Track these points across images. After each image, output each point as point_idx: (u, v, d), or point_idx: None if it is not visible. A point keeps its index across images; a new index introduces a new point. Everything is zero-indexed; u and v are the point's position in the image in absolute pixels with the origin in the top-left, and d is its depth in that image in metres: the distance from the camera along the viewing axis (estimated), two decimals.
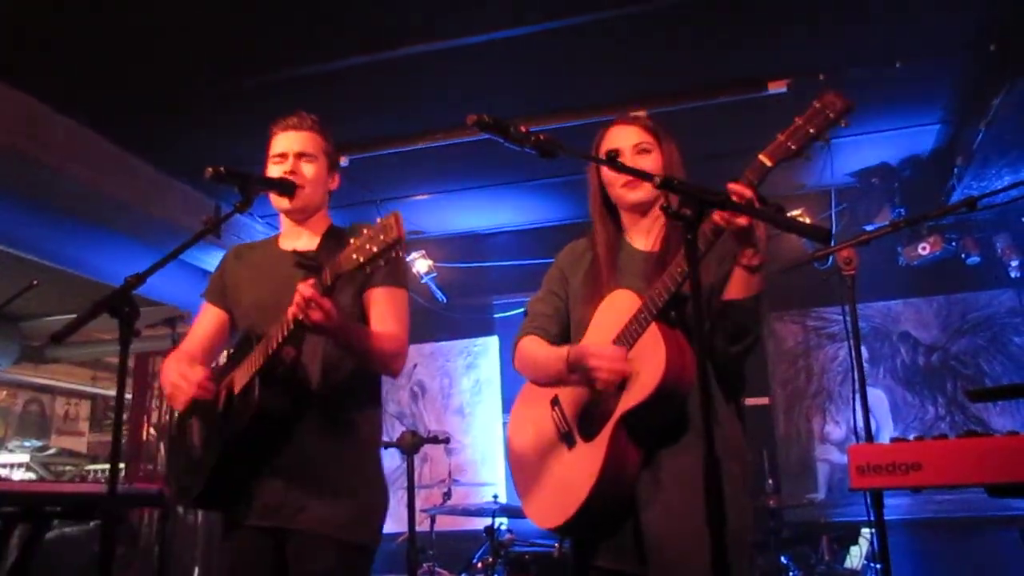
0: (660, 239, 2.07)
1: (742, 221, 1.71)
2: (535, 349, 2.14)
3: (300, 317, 1.89)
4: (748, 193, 1.70)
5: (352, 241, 1.79)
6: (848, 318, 2.57)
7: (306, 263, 1.95)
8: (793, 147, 1.69)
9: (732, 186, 1.72)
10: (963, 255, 5.55)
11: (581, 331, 2.07)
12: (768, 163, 1.71)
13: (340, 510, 2.09)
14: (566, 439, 2.01)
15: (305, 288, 1.87)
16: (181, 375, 2.13)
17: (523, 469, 2.14)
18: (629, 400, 1.85)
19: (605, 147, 2.11)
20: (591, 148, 2.17)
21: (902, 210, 5.41)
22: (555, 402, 2.09)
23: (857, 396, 2.55)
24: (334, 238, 2.31)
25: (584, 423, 1.98)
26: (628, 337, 1.89)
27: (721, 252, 1.93)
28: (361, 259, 1.77)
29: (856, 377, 2.55)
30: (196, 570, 6.17)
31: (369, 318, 2.23)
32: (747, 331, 1.88)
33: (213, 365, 2.34)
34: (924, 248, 5.43)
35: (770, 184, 5.55)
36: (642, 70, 4.35)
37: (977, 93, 4.50)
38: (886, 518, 2.61)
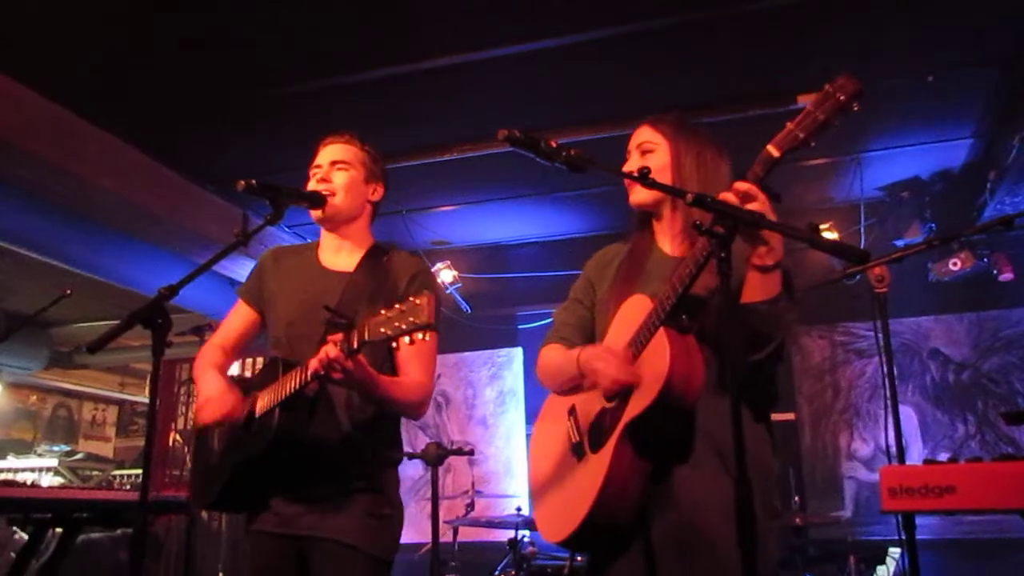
0: (685, 243, 2.02)
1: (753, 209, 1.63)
2: (554, 356, 2.12)
3: (322, 373, 1.92)
4: (755, 191, 1.65)
5: (383, 312, 1.81)
6: (880, 336, 2.54)
7: (336, 322, 1.98)
8: (802, 135, 1.60)
9: (738, 185, 1.67)
10: (995, 271, 5.47)
11: (602, 338, 2.03)
12: (775, 153, 1.64)
13: (362, 523, 2.10)
14: (577, 450, 1.96)
15: (331, 349, 1.90)
16: (219, 395, 2.17)
17: (538, 481, 2.10)
18: (633, 409, 1.78)
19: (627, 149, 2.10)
20: (621, 159, 2.14)
21: (932, 225, 5.35)
22: (572, 412, 2.04)
23: (889, 415, 2.51)
24: (373, 260, 2.32)
25: (594, 434, 1.92)
26: (638, 343, 1.82)
27: (741, 251, 1.81)
28: (388, 333, 1.79)
29: (888, 396, 2.51)
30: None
31: (396, 358, 2.24)
32: (768, 337, 1.77)
33: (236, 372, 2.37)
34: (955, 264, 5.35)
35: (798, 197, 5.56)
36: (670, 83, 4.34)
37: (1011, 107, 4.45)
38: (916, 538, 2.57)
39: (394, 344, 2.19)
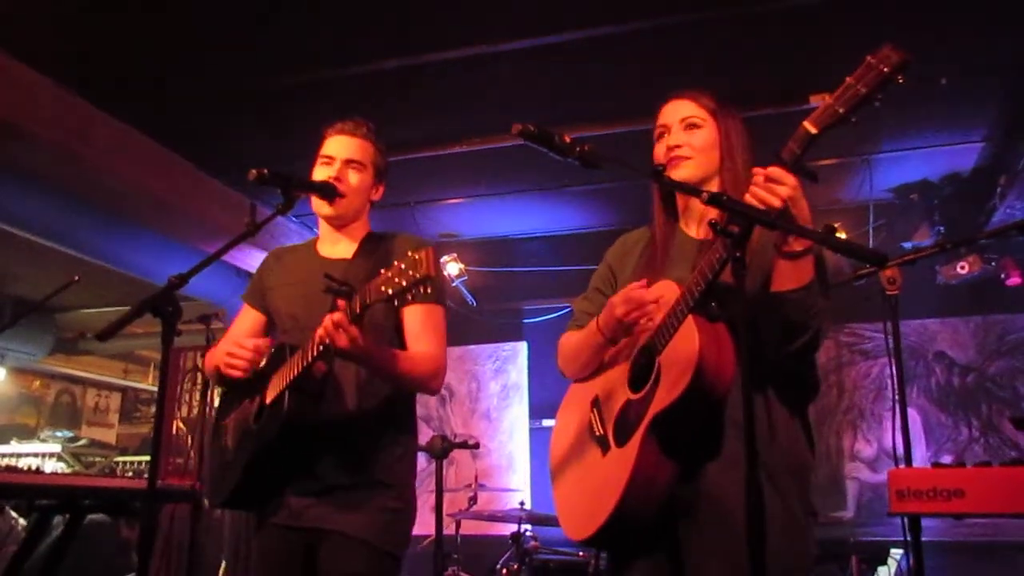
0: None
1: (775, 202, 1.55)
2: (573, 337, 2.05)
3: (327, 342, 1.90)
4: (783, 175, 1.56)
5: (383, 272, 1.80)
6: (890, 337, 2.53)
7: (336, 289, 1.94)
8: (842, 110, 1.49)
9: (770, 170, 1.57)
10: (1002, 276, 5.46)
11: None
12: (813, 130, 1.54)
13: (372, 517, 2.09)
14: (601, 443, 1.87)
15: (334, 314, 1.89)
16: (236, 344, 2.15)
17: (560, 477, 2.02)
18: (661, 401, 1.69)
19: (657, 123, 2.00)
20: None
21: (941, 228, 5.34)
22: (595, 403, 1.95)
23: (897, 417, 2.51)
24: (371, 245, 2.32)
25: (619, 427, 1.82)
26: (664, 333, 1.73)
27: (769, 236, 1.72)
28: (390, 291, 1.77)
29: (896, 398, 2.50)
30: (223, 566, 6.22)
31: (404, 334, 2.22)
32: (802, 327, 1.67)
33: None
34: (963, 268, 5.34)
35: (806, 197, 5.49)
36: (683, 81, 4.31)
37: (1023, 112, 4.43)
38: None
39: (400, 317, 2.18)
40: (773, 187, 1.57)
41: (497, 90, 4.45)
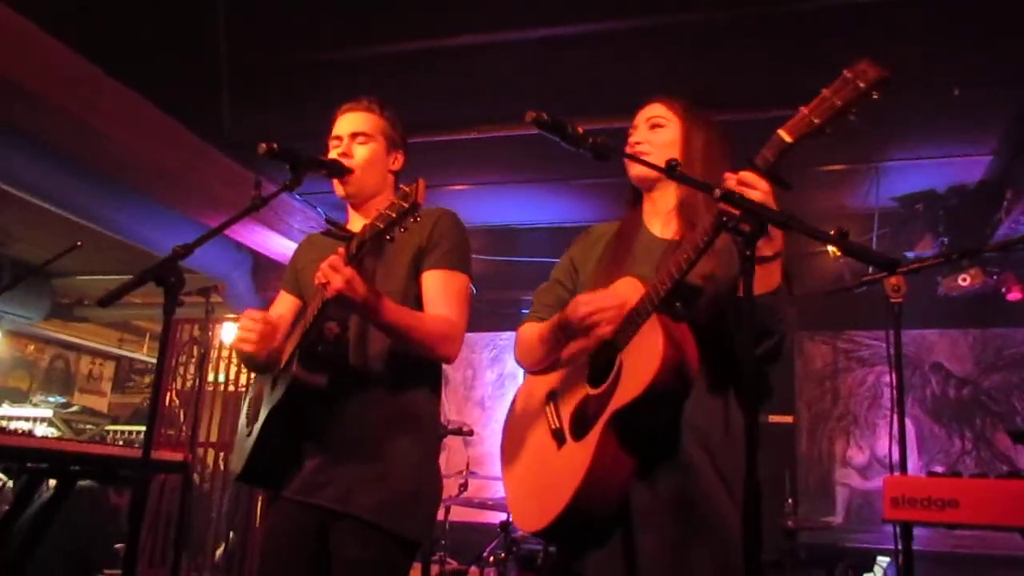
0: (676, 225, 1.93)
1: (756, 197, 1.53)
2: (530, 331, 2.02)
3: (324, 283, 1.85)
4: (755, 180, 1.55)
5: (377, 209, 1.78)
6: (891, 346, 2.52)
7: (335, 234, 1.92)
8: (817, 121, 1.50)
9: (742, 175, 1.56)
10: (1003, 290, 5.46)
11: None
12: (788, 139, 1.54)
13: (388, 500, 1.99)
14: (557, 437, 1.85)
15: (329, 256, 1.85)
16: (245, 317, 2.10)
17: (512, 468, 1.99)
18: (620, 399, 1.68)
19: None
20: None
21: (944, 239, 5.33)
22: (550, 397, 1.93)
23: (894, 425, 2.50)
24: None
25: (577, 421, 1.80)
26: (627, 330, 1.72)
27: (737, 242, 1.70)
28: (380, 225, 1.74)
29: (895, 405, 2.50)
30: (210, 539, 6.23)
31: (423, 298, 2.13)
32: (767, 332, 1.67)
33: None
34: (964, 280, 5.35)
35: (813, 202, 5.50)
36: (690, 80, 4.31)
37: None
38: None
39: (423, 266, 2.13)
40: (745, 191, 1.56)
41: (511, 78, 4.42)
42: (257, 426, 2.12)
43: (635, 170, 1.96)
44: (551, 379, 1.97)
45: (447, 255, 2.15)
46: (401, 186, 1.75)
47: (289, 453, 2.10)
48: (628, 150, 1.95)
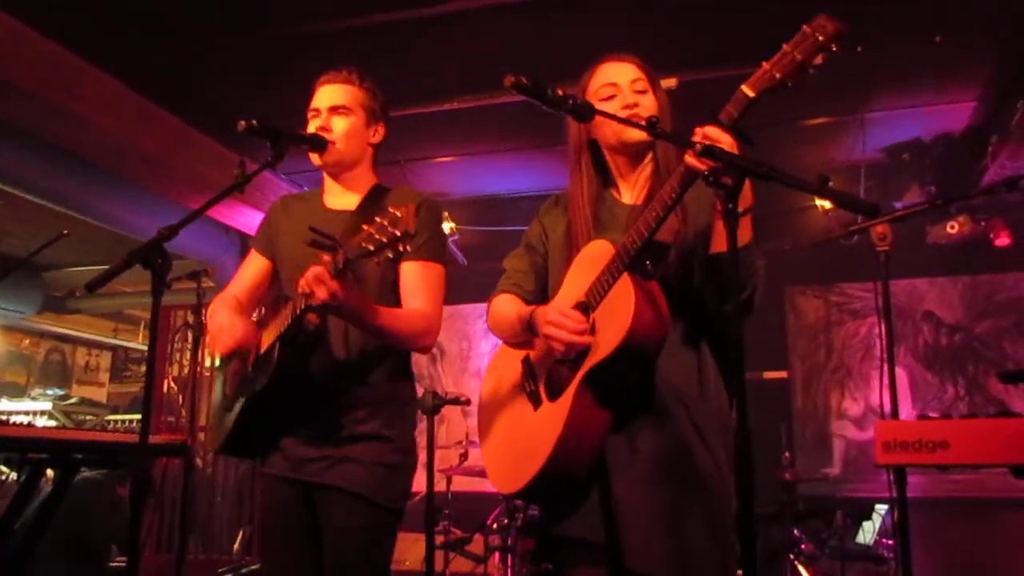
0: (646, 192, 1.93)
1: (702, 167, 1.53)
2: (505, 308, 2.03)
3: (307, 292, 1.89)
4: (719, 134, 1.56)
5: (364, 227, 1.78)
6: (879, 295, 2.54)
7: (321, 242, 1.93)
8: (778, 75, 1.53)
9: (708, 129, 1.57)
10: (991, 236, 5.48)
11: (558, 288, 1.93)
12: (750, 94, 1.56)
13: (369, 471, 2.09)
14: (532, 399, 1.89)
15: (314, 267, 1.88)
16: (230, 324, 2.16)
17: (490, 431, 2.03)
18: (594, 357, 1.72)
19: (597, 83, 1.96)
20: (579, 89, 1.99)
21: (932, 188, 5.34)
22: (525, 360, 1.97)
23: (885, 374, 2.53)
24: (375, 197, 2.29)
25: (552, 382, 1.85)
26: (599, 290, 1.75)
27: (706, 197, 1.74)
28: (370, 248, 1.76)
29: (886, 354, 2.52)
30: (217, 523, 6.28)
31: (400, 290, 2.20)
32: (740, 285, 1.65)
33: (255, 315, 2.36)
34: (953, 228, 5.36)
35: (799, 157, 5.50)
36: (674, 38, 4.29)
37: (1016, 71, 4.41)
38: None
39: (402, 257, 2.15)
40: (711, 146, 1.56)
41: (488, 47, 4.39)
42: (238, 406, 2.17)
43: (633, 133, 1.90)
44: (525, 345, 2.00)
45: (424, 246, 2.18)
46: (391, 208, 1.75)
47: (271, 430, 2.17)
48: (622, 114, 1.89)
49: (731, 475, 1.79)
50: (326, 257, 1.89)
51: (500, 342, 2.12)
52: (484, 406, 2.08)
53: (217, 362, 2.41)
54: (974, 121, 5.19)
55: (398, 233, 1.73)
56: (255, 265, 2.40)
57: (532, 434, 1.83)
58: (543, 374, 1.89)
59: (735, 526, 1.75)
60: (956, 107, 5.05)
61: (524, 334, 1.94)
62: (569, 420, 1.72)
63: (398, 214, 1.73)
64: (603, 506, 1.77)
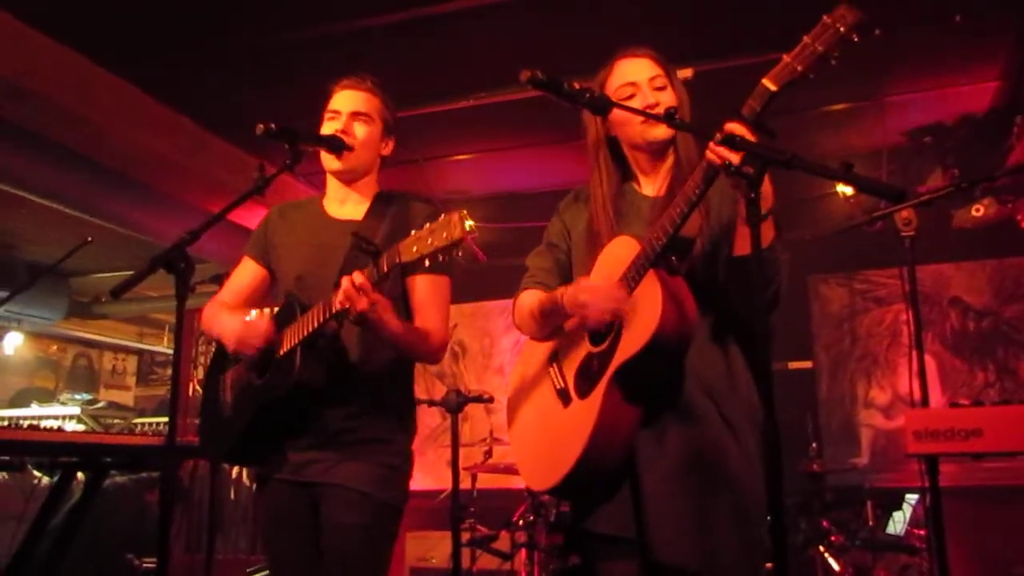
0: (667, 183, 1.94)
1: (735, 159, 1.54)
2: (531, 301, 2.03)
3: (347, 305, 1.90)
4: (741, 129, 1.56)
5: (414, 233, 1.79)
6: (906, 281, 2.51)
7: (365, 247, 1.93)
8: (800, 68, 1.53)
9: (730, 126, 1.56)
10: (1018, 218, 5.38)
11: None
12: (772, 87, 1.57)
13: (372, 470, 2.12)
14: (562, 397, 1.90)
15: (356, 276, 1.88)
16: (251, 324, 2.16)
17: (521, 430, 2.05)
18: (622, 354, 1.73)
19: (616, 82, 1.96)
20: (596, 87, 1.99)
21: (956, 171, 5.26)
22: (552, 358, 1.98)
23: (914, 361, 2.49)
24: (382, 205, 2.29)
25: (581, 380, 1.86)
26: (627, 286, 1.77)
27: (731, 195, 1.76)
28: (422, 252, 1.77)
29: (914, 341, 2.49)
30: (237, 521, 6.33)
31: (411, 304, 2.22)
32: (766, 282, 1.70)
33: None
34: (978, 211, 5.27)
35: (819, 144, 5.44)
36: (689, 28, 4.25)
37: None
38: None
39: (407, 287, 2.18)
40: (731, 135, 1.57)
41: (504, 43, 4.37)
42: (245, 411, 2.17)
43: (657, 131, 1.92)
44: (552, 341, 2.01)
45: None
46: (444, 215, 1.76)
47: (278, 437, 2.18)
48: (643, 121, 1.91)
49: (761, 468, 1.79)
50: (366, 268, 1.90)
51: (523, 338, 2.12)
52: (513, 404, 2.09)
53: (212, 367, 2.40)
54: (997, 101, 5.10)
55: (453, 238, 1.73)
56: (249, 273, 2.39)
57: (563, 432, 1.84)
58: (571, 370, 1.90)
59: (765, 519, 1.74)
60: (978, 87, 4.96)
61: (551, 322, 1.94)
62: (600, 418, 1.73)
63: (452, 219, 1.74)
64: (633, 501, 1.78)
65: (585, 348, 1.86)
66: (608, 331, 1.80)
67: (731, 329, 1.86)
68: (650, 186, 2.00)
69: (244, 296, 2.38)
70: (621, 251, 1.81)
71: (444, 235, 1.73)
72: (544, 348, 2.02)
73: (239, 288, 2.38)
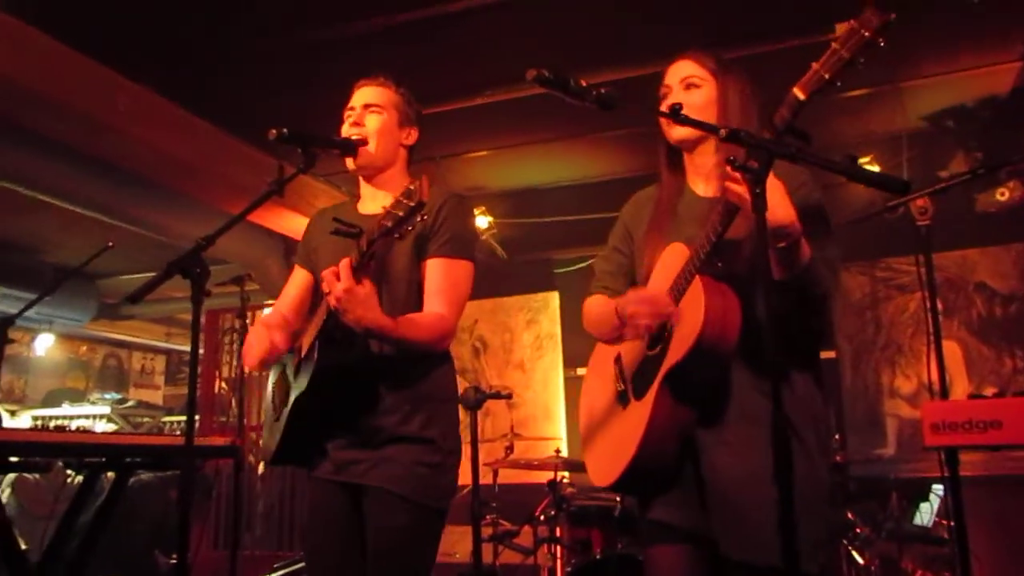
0: (716, 183, 1.94)
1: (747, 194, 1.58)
2: (596, 307, 2.12)
3: (326, 292, 1.91)
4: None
5: (383, 208, 1.79)
6: (923, 269, 2.48)
7: (343, 231, 1.94)
8: (827, 76, 1.56)
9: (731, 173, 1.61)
10: None
11: (644, 285, 2.01)
12: (801, 96, 1.59)
13: (410, 472, 2.09)
14: (622, 398, 2.00)
15: (343, 261, 1.89)
16: (259, 336, 2.22)
17: (588, 428, 2.15)
18: (671, 358, 1.81)
19: (662, 86, 2.05)
20: (655, 97, 2.07)
21: (978, 155, 5.17)
22: (617, 360, 2.07)
23: (932, 350, 2.47)
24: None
25: (638, 382, 1.94)
26: (676, 293, 1.84)
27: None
28: (389, 224, 1.76)
29: (931, 331, 2.46)
30: (255, 517, 6.39)
31: (424, 289, 2.19)
32: (816, 289, 1.77)
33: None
34: (1003, 194, 5.19)
35: (838, 131, 5.37)
36: (702, 16, 4.22)
37: None
38: (960, 475, 2.54)
39: (426, 253, 2.17)
40: (735, 182, 1.62)
41: (517, 39, 4.37)
42: (286, 412, 2.19)
43: (677, 132, 1.99)
44: (617, 344, 2.09)
45: (449, 242, 2.17)
46: (407, 185, 1.77)
47: (317, 435, 2.20)
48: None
49: (823, 461, 1.87)
50: (346, 259, 1.91)
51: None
52: (584, 404, 2.19)
53: (272, 377, 2.44)
54: (1021, 81, 5.01)
55: (412, 203, 1.73)
56: (298, 280, 2.43)
57: (622, 431, 1.94)
58: (631, 373, 1.99)
59: (828, 513, 1.84)
60: (1000, 68, 4.87)
61: (614, 325, 1.98)
62: (651, 420, 1.82)
63: (412, 187, 1.75)
64: (697, 486, 1.85)
65: (643, 352, 1.96)
66: (662, 335, 1.88)
67: (784, 327, 1.86)
68: (701, 185, 2.05)
69: (296, 303, 2.40)
70: (674, 258, 1.89)
71: (405, 202, 1.74)
72: (611, 351, 2.12)
73: (290, 296, 2.41)
